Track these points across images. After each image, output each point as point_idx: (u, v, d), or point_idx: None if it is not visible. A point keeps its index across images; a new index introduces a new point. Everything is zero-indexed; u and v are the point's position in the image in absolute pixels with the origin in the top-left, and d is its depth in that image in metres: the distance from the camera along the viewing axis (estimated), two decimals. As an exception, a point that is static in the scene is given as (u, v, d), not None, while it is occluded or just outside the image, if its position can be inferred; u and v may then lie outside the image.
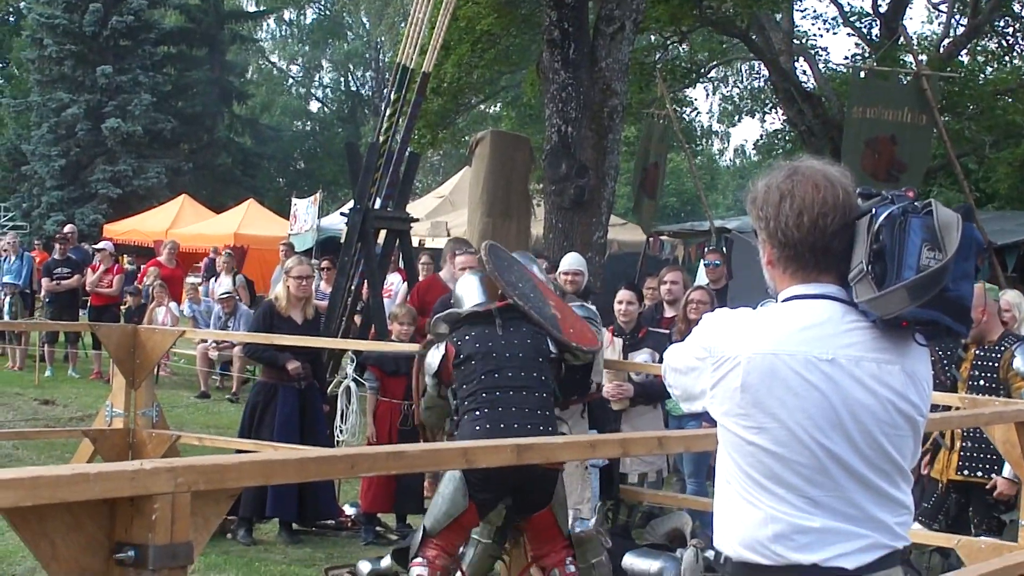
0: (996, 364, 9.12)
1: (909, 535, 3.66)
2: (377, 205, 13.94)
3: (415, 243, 20.27)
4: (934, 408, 7.91)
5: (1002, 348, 9.14)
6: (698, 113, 65.35)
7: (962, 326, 3.50)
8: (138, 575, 3.11)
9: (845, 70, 30.66)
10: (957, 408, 8.08)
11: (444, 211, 29.86)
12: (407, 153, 14.43)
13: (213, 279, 22.88)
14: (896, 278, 3.40)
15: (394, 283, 17.34)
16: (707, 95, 71.60)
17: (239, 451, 9.74)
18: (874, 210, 3.49)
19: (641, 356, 10.38)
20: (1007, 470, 8.84)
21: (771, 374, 3.48)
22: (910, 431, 3.57)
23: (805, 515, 3.48)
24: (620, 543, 9.69)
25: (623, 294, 10.74)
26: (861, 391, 3.49)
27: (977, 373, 9.23)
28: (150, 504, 3.08)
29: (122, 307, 22.18)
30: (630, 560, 9.49)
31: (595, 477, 9.56)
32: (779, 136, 37.92)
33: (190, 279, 23.08)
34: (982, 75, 30.54)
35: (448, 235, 25.22)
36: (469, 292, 8.44)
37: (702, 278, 16.12)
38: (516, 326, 8.01)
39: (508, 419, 7.62)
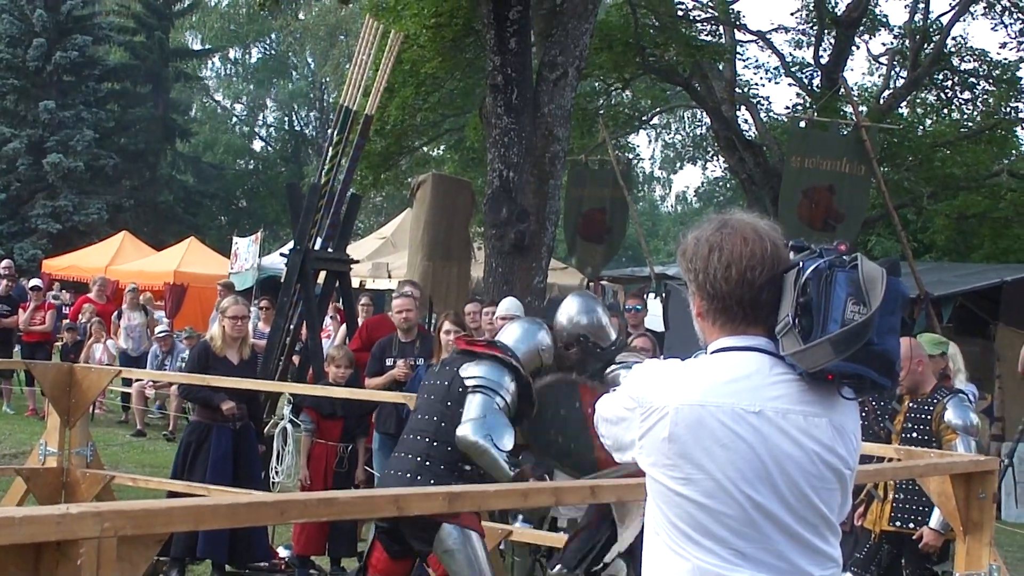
0: (929, 416, 9.19)
1: None
2: (317, 246, 13.92)
3: (356, 284, 20.26)
4: (869, 460, 7.99)
5: (935, 401, 9.22)
6: (640, 160, 65.63)
7: (887, 379, 3.52)
8: (62, 620, 3.08)
9: (786, 120, 30.95)
10: (891, 460, 8.14)
11: (386, 252, 29.84)
12: (348, 194, 14.42)
13: (116, 315, 22.59)
14: (821, 332, 3.42)
15: (331, 325, 17.32)
16: (649, 141, 72.03)
17: (171, 493, 9.69)
18: (801, 263, 3.51)
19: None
20: (934, 520, 8.92)
21: (698, 425, 3.48)
22: (837, 484, 3.58)
23: (732, 567, 3.48)
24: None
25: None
26: (788, 443, 3.49)
27: (910, 425, 9.30)
28: (76, 549, 3.06)
29: (56, 343, 22.00)
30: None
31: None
32: (720, 183, 38.27)
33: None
34: (921, 127, 30.93)
35: (389, 276, 25.25)
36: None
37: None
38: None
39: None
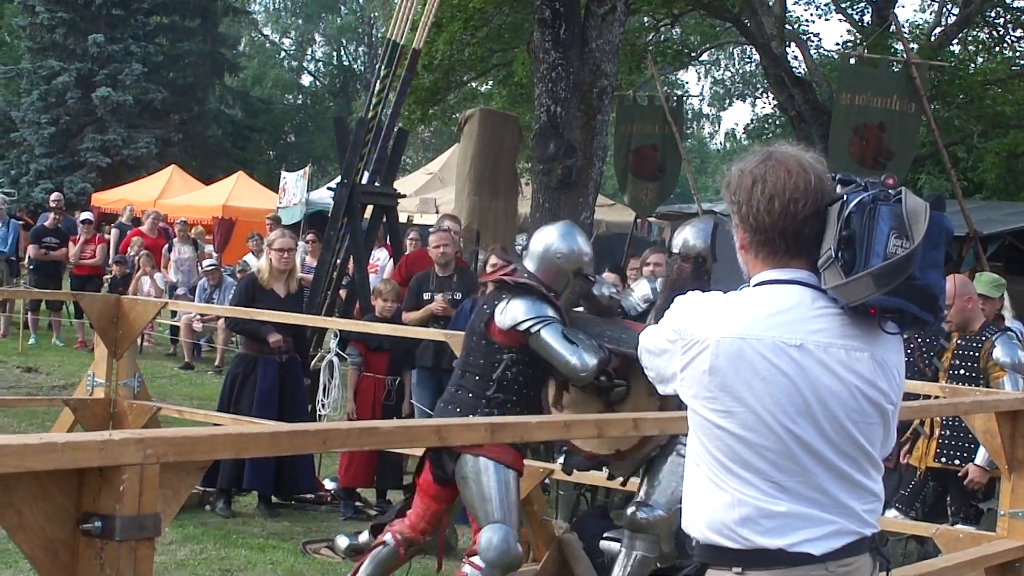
0: (977, 354, 9.17)
1: (885, 523, 3.67)
2: (365, 180, 13.92)
3: (403, 219, 20.26)
4: (915, 397, 7.97)
5: (983, 338, 9.19)
6: (689, 96, 65.25)
7: (929, 315, 3.51)
8: (104, 545, 3.11)
9: (836, 56, 30.70)
10: (937, 397, 8.12)
11: (433, 188, 29.80)
12: (396, 129, 14.40)
13: (167, 248, 22.70)
14: (863, 265, 3.41)
15: (380, 259, 17.34)
16: (699, 78, 71.64)
17: (217, 425, 9.76)
18: (845, 197, 3.49)
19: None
20: (980, 457, 8.89)
21: (739, 358, 3.49)
22: (879, 419, 3.58)
23: (771, 499, 3.49)
24: (598, 524, 9.69)
25: (606, 276, 10.70)
26: (829, 377, 3.49)
27: (958, 363, 9.28)
28: (118, 475, 3.09)
29: (106, 277, 22.14)
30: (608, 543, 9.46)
31: None
32: (769, 121, 37.98)
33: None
34: (972, 65, 30.56)
35: (437, 212, 25.20)
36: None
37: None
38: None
39: None
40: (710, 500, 3.58)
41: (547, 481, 9.81)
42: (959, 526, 8.81)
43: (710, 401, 3.54)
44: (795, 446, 3.49)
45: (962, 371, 9.22)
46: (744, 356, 3.49)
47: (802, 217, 3.52)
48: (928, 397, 8.18)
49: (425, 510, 7.94)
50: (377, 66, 14.90)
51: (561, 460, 9.67)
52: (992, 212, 22.26)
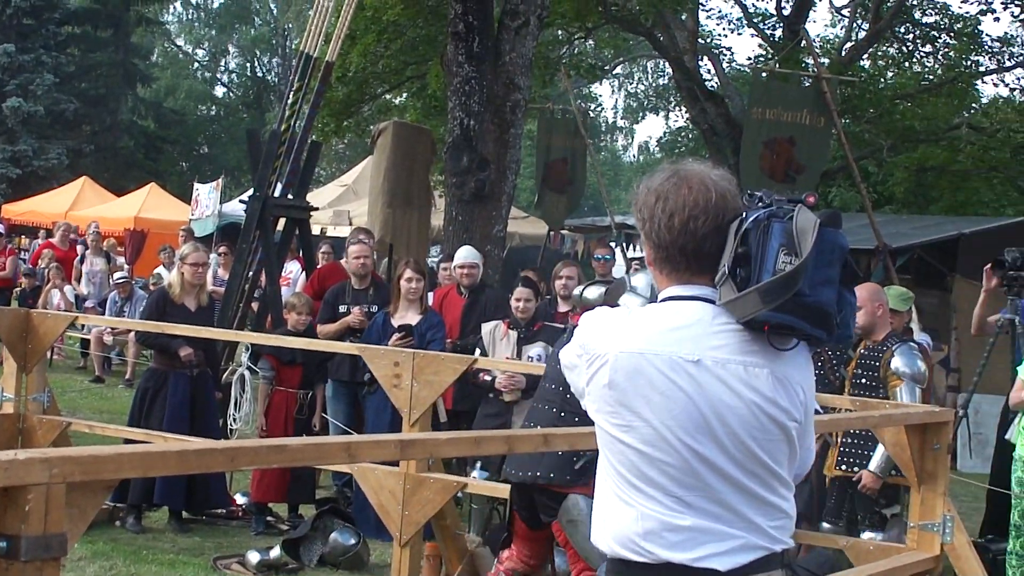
0: (878, 363, 9.32)
1: (798, 536, 3.69)
2: (277, 193, 13.90)
3: (316, 231, 20.23)
4: (826, 410, 8.06)
5: (884, 348, 9.34)
6: (602, 109, 65.59)
7: (821, 331, 3.51)
8: (9, 566, 3.09)
9: (748, 71, 30.96)
10: (847, 410, 8.22)
11: (347, 200, 29.80)
12: (309, 141, 14.40)
13: (79, 260, 22.49)
14: (755, 282, 3.42)
15: (292, 271, 17.32)
16: (612, 91, 71.96)
17: (127, 440, 9.69)
18: (744, 214, 3.52)
19: (535, 349, 10.43)
20: (872, 463, 9.09)
21: (637, 373, 3.51)
22: (781, 436, 3.58)
23: (676, 514, 3.51)
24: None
25: (520, 291, 10.73)
26: (727, 394, 3.50)
27: (860, 372, 9.43)
28: (24, 495, 3.06)
29: (16, 289, 21.91)
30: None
31: None
32: (682, 134, 38.24)
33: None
34: (882, 80, 30.97)
35: (350, 224, 25.18)
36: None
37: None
38: None
39: None
40: (617, 514, 3.60)
41: (460, 495, 9.84)
42: (867, 535, 8.96)
43: (612, 416, 3.56)
44: (696, 462, 3.50)
45: (863, 380, 9.37)
46: (642, 371, 3.50)
47: (702, 234, 3.54)
48: (837, 410, 8.28)
49: (531, 549, 8.03)
50: (290, 78, 14.89)
51: (475, 474, 9.73)
52: (902, 225, 22.50)
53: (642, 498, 3.54)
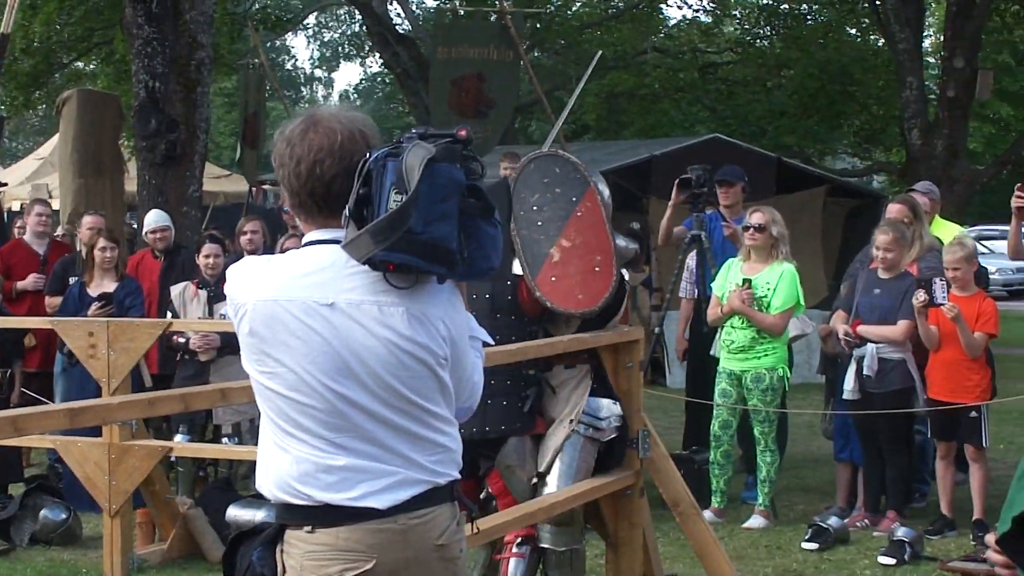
0: None
1: (453, 472, 3.74)
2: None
3: (16, 207, 19.70)
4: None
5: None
6: (297, 60, 65.08)
7: (440, 267, 3.51)
8: None
9: (436, 12, 31.14)
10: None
11: (45, 173, 28.92)
12: (-10, 116, 14.03)
13: None
14: (372, 222, 3.44)
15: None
16: (308, 43, 71.38)
17: None
18: (368, 154, 3.52)
19: (226, 307, 10.41)
20: None
21: (274, 319, 3.55)
22: (426, 372, 3.61)
23: (327, 455, 3.56)
24: (222, 496, 9.74)
25: (208, 247, 10.72)
26: (363, 334, 3.54)
27: None
28: None
29: None
30: (234, 512, 9.45)
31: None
32: (379, 79, 38.27)
33: None
34: (569, 11, 31.45)
35: (50, 197, 24.57)
36: None
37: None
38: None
39: None
40: (275, 460, 3.65)
41: (172, 460, 9.83)
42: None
43: (258, 363, 3.62)
44: (341, 404, 3.55)
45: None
46: (278, 318, 3.55)
47: (329, 176, 3.57)
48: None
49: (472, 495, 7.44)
50: (-34, 53, 14.45)
51: (178, 437, 9.70)
52: (596, 152, 22.93)
53: (295, 443, 3.59)
